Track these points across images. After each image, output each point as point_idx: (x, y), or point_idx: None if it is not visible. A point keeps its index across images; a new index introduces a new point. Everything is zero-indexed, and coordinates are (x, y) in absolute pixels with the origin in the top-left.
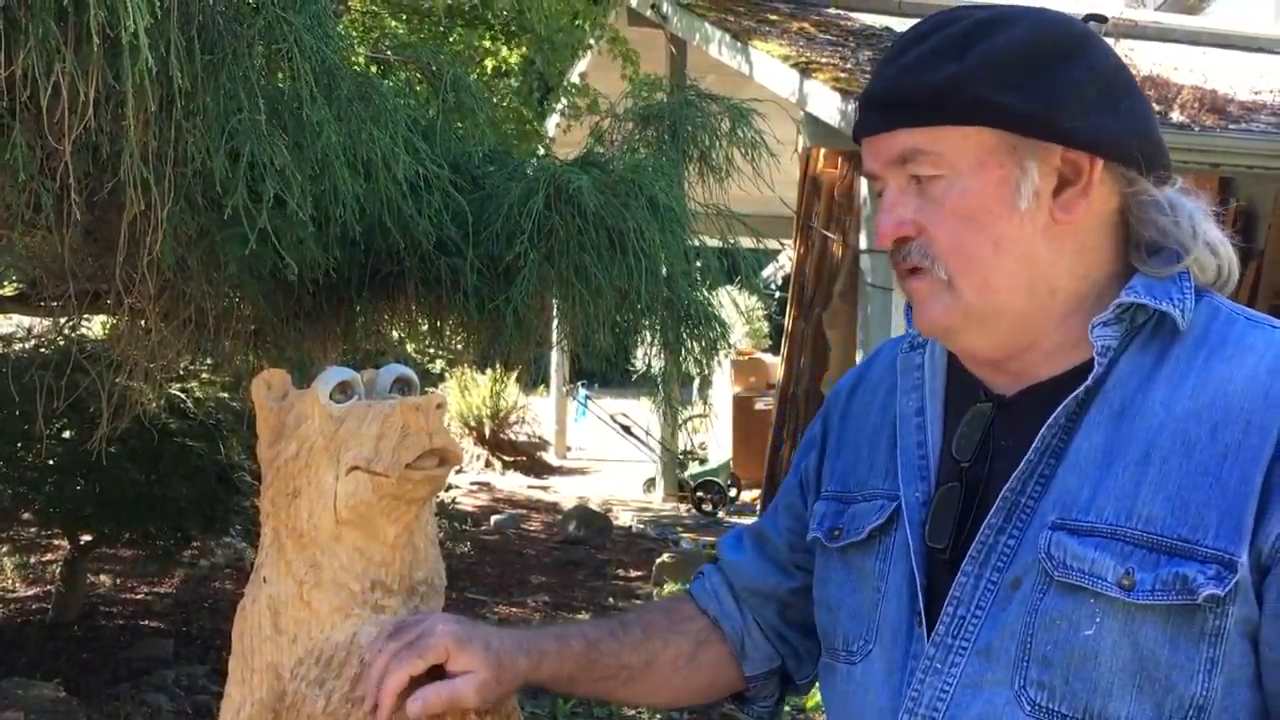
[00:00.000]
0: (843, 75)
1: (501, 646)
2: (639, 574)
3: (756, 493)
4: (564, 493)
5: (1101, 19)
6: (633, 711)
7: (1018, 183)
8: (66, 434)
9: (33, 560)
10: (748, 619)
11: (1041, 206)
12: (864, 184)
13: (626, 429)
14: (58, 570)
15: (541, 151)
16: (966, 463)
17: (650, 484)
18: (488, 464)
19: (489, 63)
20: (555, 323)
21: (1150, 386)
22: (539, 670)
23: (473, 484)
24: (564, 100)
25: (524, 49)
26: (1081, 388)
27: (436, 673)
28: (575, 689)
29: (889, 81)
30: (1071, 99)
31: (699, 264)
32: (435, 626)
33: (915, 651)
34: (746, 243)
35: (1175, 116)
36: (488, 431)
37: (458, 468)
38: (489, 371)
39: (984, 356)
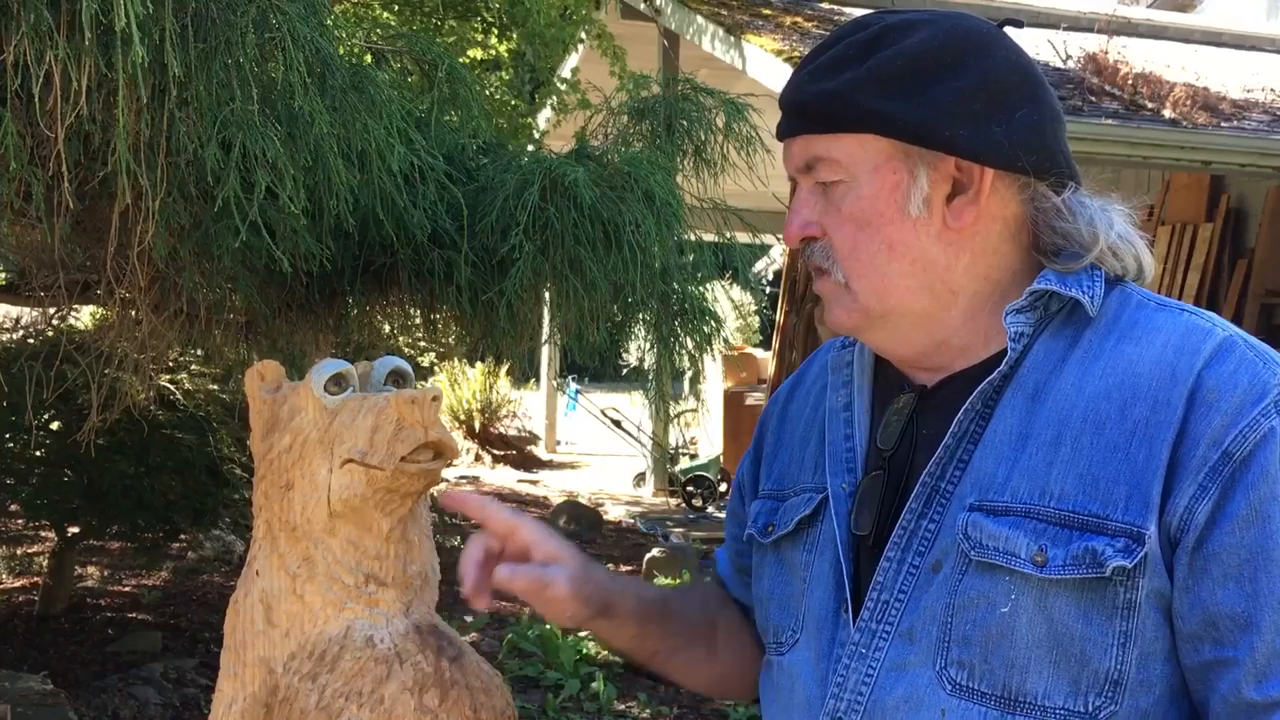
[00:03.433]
0: None
1: (583, 557)
2: (629, 569)
3: None
4: (554, 487)
5: (1018, 23)
6: (623, 706)
7: (908, 189)
8: (55, 425)
9: (20, 552)
10: None
11: (934, 213)
12: None
13: (617, 423)
14: (45, 562)
15: (531, 147)
16: (889, 451)
17: (640, 479)
18: (477, 458)
19: (476, 53)
20: (547, 316)
21: (1063, 369)
22: (622, 600)
23: (462, 478)
24: (554, 95)
25: (514, 42)
26: (996, 373)
27: None
28: (631, 647)
29: (794, 89)
30: (955, 109)
31: (692, 257)
32: (521, 519)
33: (842, 638)
34: (740, 237)
35: (1167, 114)
36: (478, 425)
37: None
38: (479, 365)
39: (897, 354)
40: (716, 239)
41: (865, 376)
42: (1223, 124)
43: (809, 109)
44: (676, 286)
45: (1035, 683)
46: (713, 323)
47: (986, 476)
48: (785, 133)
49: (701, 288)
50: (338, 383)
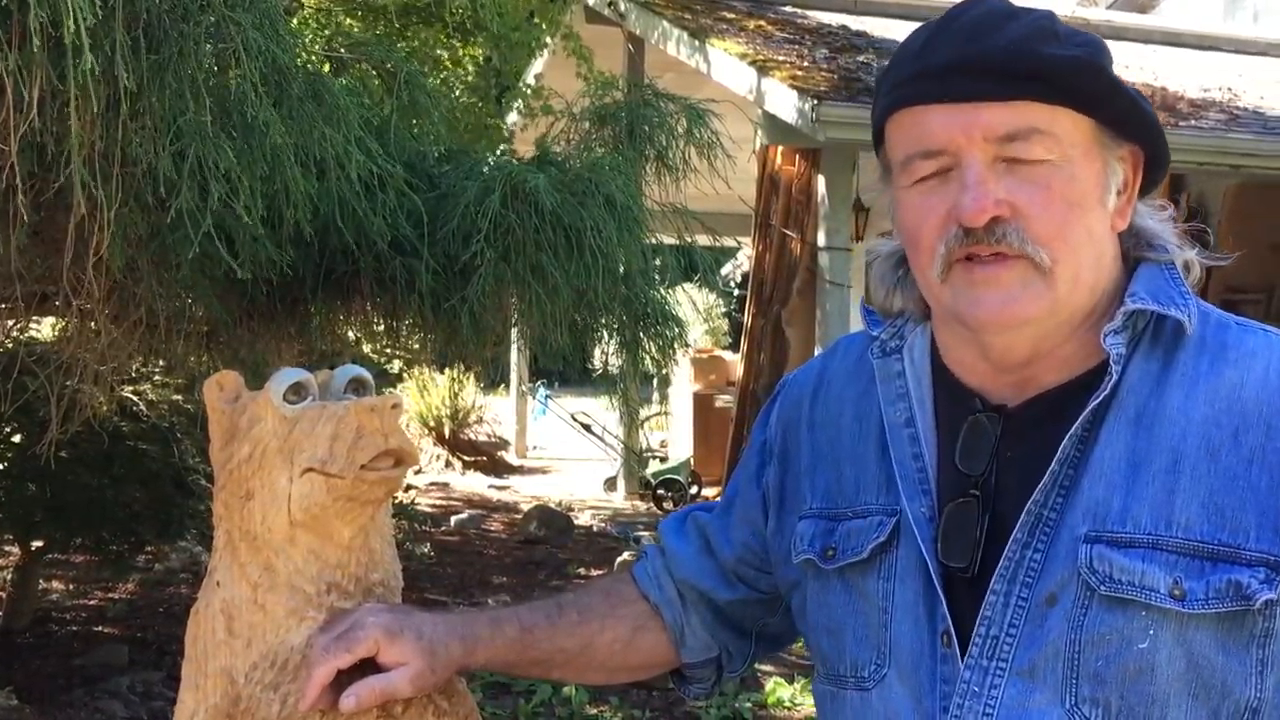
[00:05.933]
0: (800, 73)
1: (434, 634)
2: (600, 573)
3: (717, 490)
4: (524, 492)
5: None
6: (595, 711)
7: (1107, 178)
8: (15, 438)
9: None
10: (688, 609)
11: (1111, 208)
12: (821, 182)
13: (587, 428)
14: (8, 577)
15: (501, 150)
16: (980, 476)
17: (611, 483)
18: (447, 464)
19: (445, 60)
20: (513, 322)
21: (1163, 392)
22: (473, 656)
23: (432, 484)
24: (519, 100)
25: (479, 47)
26: (1099, 397)
27: (371, 666)
28: (510, 671)
29: (1006, 49)
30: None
31: (657, 262)
32: (365, 618)
33: (946, 675)
34: (705, 241)
35: None
36: (447, 431)
37: (416, 468)
38: (447, 371)
39: (1017, 358)
40: (678, 243)
41: (924, 389)
42: (1181, 123)
43: (1045, 74)
44: (639, 291)
45: (1175, 717)
46: (675, 327)
47: (1099, 505)
48: (986, 94)
49: (664, 292)
50: (296, 391)
